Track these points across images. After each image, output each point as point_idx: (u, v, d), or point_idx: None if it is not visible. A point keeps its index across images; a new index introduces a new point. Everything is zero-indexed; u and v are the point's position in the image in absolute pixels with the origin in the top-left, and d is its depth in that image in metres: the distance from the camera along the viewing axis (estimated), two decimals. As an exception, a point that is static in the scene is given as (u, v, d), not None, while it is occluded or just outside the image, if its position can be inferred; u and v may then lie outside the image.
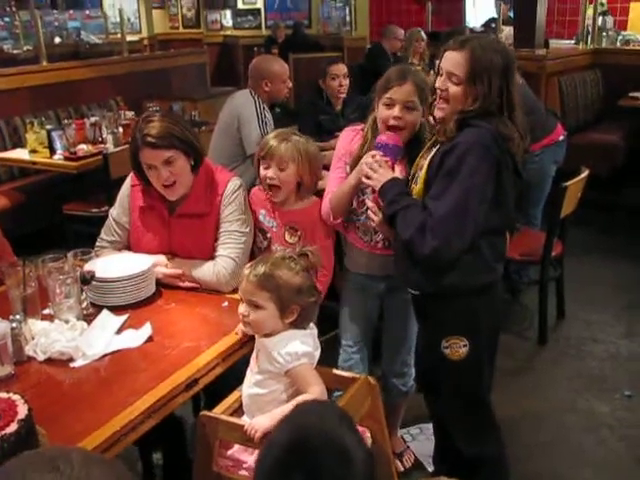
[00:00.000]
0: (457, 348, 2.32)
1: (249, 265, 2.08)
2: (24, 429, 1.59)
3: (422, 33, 7.32)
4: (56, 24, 10.55)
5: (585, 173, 3.90)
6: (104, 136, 5.23)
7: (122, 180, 4.61)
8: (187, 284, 2.53)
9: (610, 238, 5.54)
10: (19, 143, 5.62)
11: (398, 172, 2.37)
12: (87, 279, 2.29)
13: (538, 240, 3.96)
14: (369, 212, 2.47)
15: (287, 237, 2.65)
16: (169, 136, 2.43)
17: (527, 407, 3.37)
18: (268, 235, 2.70)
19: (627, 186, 6.16)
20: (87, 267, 2.36)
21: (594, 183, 4.16)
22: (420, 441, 3.14)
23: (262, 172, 2.63)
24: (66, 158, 4.84)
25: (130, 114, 5.68)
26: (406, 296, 2.60)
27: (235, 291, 2.50)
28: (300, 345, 2.00)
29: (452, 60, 2.22)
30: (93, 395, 1.95)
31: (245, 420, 2.04)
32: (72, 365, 2.06)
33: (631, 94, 6.45)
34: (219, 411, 2.15)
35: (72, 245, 3.80)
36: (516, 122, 2.22)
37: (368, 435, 2.20)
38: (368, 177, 2.37)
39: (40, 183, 5.36)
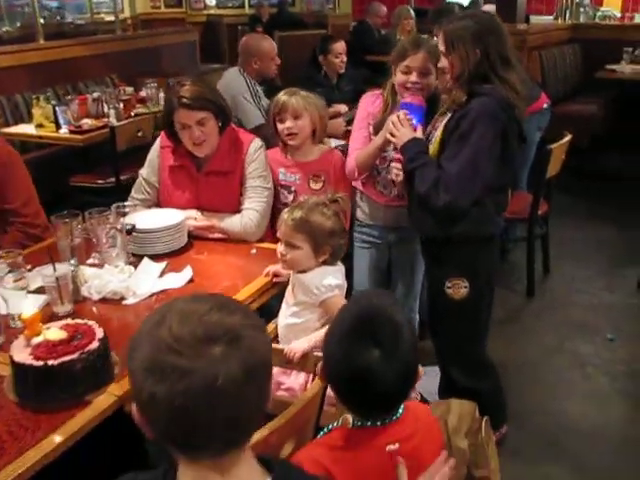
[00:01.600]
0: (458, 288, 2.62)
1: (287, 210, 2.34)
2: (103, 346, 1.85)
3: (411, 11, 7.58)
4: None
5: (568, 137, 4.20)
6: (106, 111, 5.42)
7: (126, 152, 4.87)
8: (216, 235, 2.79)
9: (590, 202, 5.88)
10: (21, 119, 5.79)
11: (420, 132, 2.63)
12: (130, 229, 2.54)
13: (525, 200, 4.26)
14: (393, 168, 2.72)
15: (312, 185, 2.96)
16: (202, 98, 2.69)
17: (517, 351, 3.67)
18: (292, 189, 2.97)
19: (605, 153, 6.48)
20: (126, 220, 2.60)
21: (574, 151, 4.46)
22: (423, 380, 3.41)
23: (280, 127, 2.94)
24: (71, 132, 5.02)
25: (130, 90, 5.86)
26: (415, 246, 2.91)
27: (260, 240, 2.77)
28: (333, 279, 2.28)
29: (438, 41, 2.56)
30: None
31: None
32: (124, 303, 2.31)
33: (607, 66, 6.76)
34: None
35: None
36: (512, 83, 2.49)
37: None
38: (393, 135, 2.63)
39: (45, 157, 5.52)
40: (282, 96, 2.94)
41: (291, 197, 2.99)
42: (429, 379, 3.41)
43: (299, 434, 1.84)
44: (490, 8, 7.01)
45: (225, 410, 1.05)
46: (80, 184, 5.14)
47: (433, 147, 2.60)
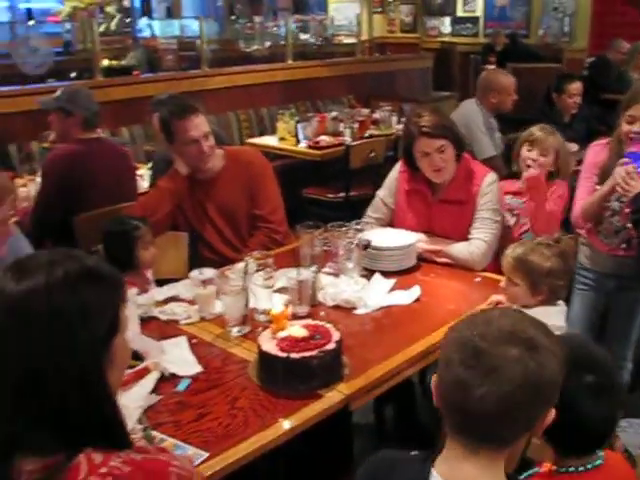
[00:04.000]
0: None
1: (511, 246, 2.43)
2: (338, 348, 2.05)
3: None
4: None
5: None
6: (341, 130, 5.77)
7: (357, 170, 5.15)
8: (442, 260, 2.92)
9: None
10: (264, 131, 6.30)
11: None
12: (365, 245, 2.74)
13: None
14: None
15: None
16: (442, 127, 2.87)
17: None
18: (515, 212, 3.14)
19: None
20: (363, 236, 2.81)
21: None
22: (629, 433, 3.33)
23: (525, 153, 3.11)
24: (310, 147, 5.41)
25: (365, 111, 6.18)
26: (636, 294, 2.88)
27: (484, 270, 2.87)
28: (555, 320, 2.31)
29: None
30: (373, 336, 2.39)
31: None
32: (354, 312, 2.51)
33: None
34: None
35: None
36: None
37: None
38: (623, 187, 2.64)
39: (284, 167, 5.96)
40: (538, 131, 3.15)
41: (513, 220, 3.14)
42: (633, 432, 3.33)
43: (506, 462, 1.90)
44: None
45: (490, 403, 1.18)
46: (312, 196, 5.51)
47: None
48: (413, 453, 1.38)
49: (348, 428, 2.85)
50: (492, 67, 8.00)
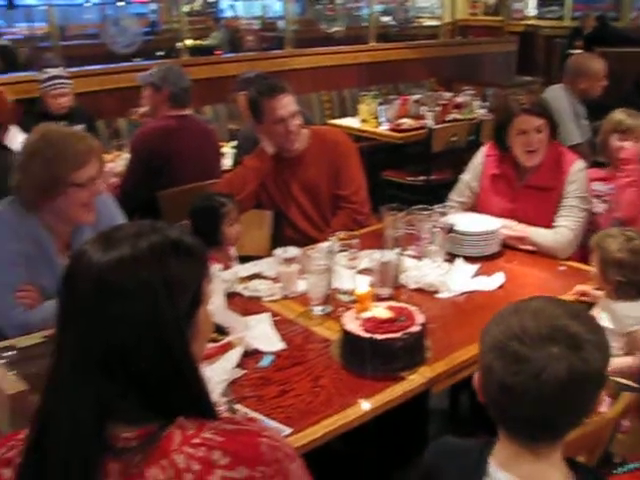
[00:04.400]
0: None
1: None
2: (422, 331, 2.04)
3: None
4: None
5: None
6: (423, 113, 5.71)
7: (438, 154, 5.10)
8: (526, 247, 2.87)
9: None
10: (345, 112, 6.29)
11: None
12: (450, 230, 2.72)
13: None
14: None
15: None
16: (542, 106, 2.86)
17: None
18: (604, 198, 3.09)
19: None
20: (446, 220, 2.79)
21: None
22: None
23: (617, 143, 3.08)
24: (391, 129, 5.38)
25: (448, 95, 6.09)
26: None
27: (569, 258, 2.81)
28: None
29: None
30: (455, 320, 2.38)
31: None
32: (436, 296, 2.50)
33: None
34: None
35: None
36: None
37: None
38: None
39: (365, 149, 5.95)
40: (628, 118, 3.11)
41: (602, 207, 3.10)
42: None
43: (587, 454, 1.86)
44: None
45: (542, 404, 1.18)
46: (390, 178, 5.49)
47: None
48: (472, 441, 1.39)
49: (425, 411, 2.86)
50: (579, 52, 7.78)
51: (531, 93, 2.87)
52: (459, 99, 5.97)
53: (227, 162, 4.18)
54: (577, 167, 2.89)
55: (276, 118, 3.08)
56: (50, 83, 4.50)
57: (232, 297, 2.45)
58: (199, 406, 1.14)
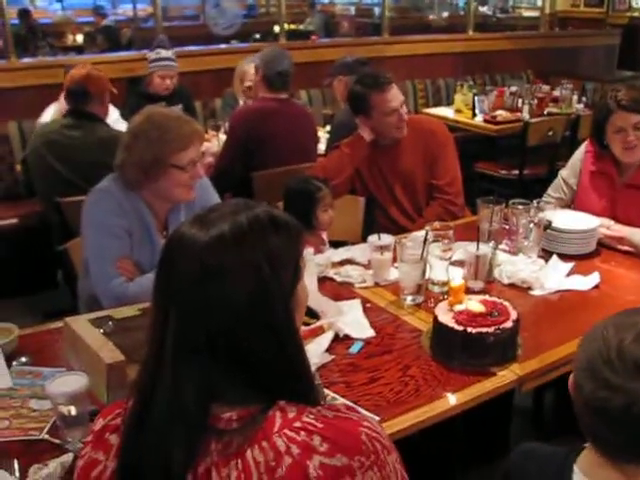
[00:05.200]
0: None
1: None
2: (515, 327, 2.01)
3: None
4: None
5: None
6: (519, 105, 5.60)
7: (533, 148, 4.99)
8: (625, 248, 2.78)
9: None
10: (439, 102, 6.23)
11: None
12: (546, 226, 2.67)
13: None
14: None
15: None
16: None
17: None
18: None
19: None
20: (544, 216, 2.73)
21: None
22: None
23: None
24: (486, 121, 5.30)
25: (545, 88, 5.96)
26: None
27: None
28: None
29: None
30: (548, 318, 2.33)
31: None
32: (530, 293, 2.46)
33: None
34: None
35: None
36: None
37: None
38: None
39: (456, 140, 5.88)
40: None
41: None
42: None
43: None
44: None
45: (629, 432, 1.15)
46: (483, 171, 5.41)
47: None
48: (558, 447, 1.37)
49: (509, 409, 2.83)
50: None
51: (631, 89, 2.77)
52: (557, 93, 5.85)
53: (321, 147, 4.20)
54: (683, 167, 2.79)
55: (388, 110, 3.08)
56: (160, 64, 4.61)
57: (323, 281, 2.47)
58: (301, 387, 1.14)
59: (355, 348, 2.08)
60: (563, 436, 2.14)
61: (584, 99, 5.85)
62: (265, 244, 1.11)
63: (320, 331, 2.09)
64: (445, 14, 9.96)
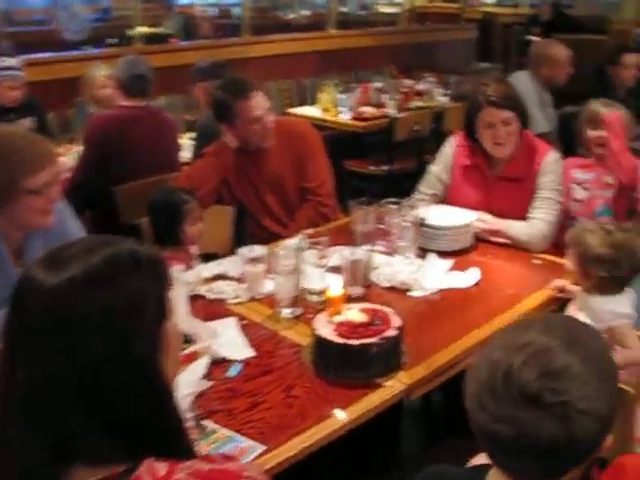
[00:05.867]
0: None
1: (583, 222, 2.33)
2: (399, 335, 1.93)
3: None
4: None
5: None
6: (384, 101, 5.60)
7: (400, 143, 5.00)
8: (499, 240, 2.78)
9: None
10: (304, 101, 6.15)
11: None
12: (420, 223, 2.61)
13: None
14: None
15: (608, 180, 2.97)
16: (509, 97, 2.75)
17: None
18: (586, 186, 3.00)
19: None
20: (416, 214, 2.68)
21: None
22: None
23: (592, 133, 2.99)
24: (353, 118, 5.26)
25: (409, 82, 5.98)
26: None
27: (545, 251, 2.73)
28: (621, 306, 2.20)
29: None
30: (430, 320, 2.28)
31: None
32: (409, 294, 2.38)
33: None
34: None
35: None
36: None
37: None
38: None
39: (324, 139, 5.82)
40: (601, 107, 3.01)
41: (584, 194, 3.00)
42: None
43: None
44: None
45: (523, 460, 1.07)
46: (352, 168, 5.37)
47: None
48: (463, 469, 1.31)
49: (398, 412, 2.76)
50: (537, 39, 7.76)
51: (500, 83, 2.78)
52: (420, 87, 5.88)
53: (185, 155, 4.01)
54: (551, 158, 2.81)
55: (252, 118, 2.94)
56: (5, 73, 4.25)
57: (195, 300, 2.29)
58: (175, 438, 1.03)
59: (233, 371, 1.94)
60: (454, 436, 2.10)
61: (448, 92, 5.92)
62: (123, 285, 1.00)
63: (194, 357, 1.93)
64: (306, 12, 9.91)
